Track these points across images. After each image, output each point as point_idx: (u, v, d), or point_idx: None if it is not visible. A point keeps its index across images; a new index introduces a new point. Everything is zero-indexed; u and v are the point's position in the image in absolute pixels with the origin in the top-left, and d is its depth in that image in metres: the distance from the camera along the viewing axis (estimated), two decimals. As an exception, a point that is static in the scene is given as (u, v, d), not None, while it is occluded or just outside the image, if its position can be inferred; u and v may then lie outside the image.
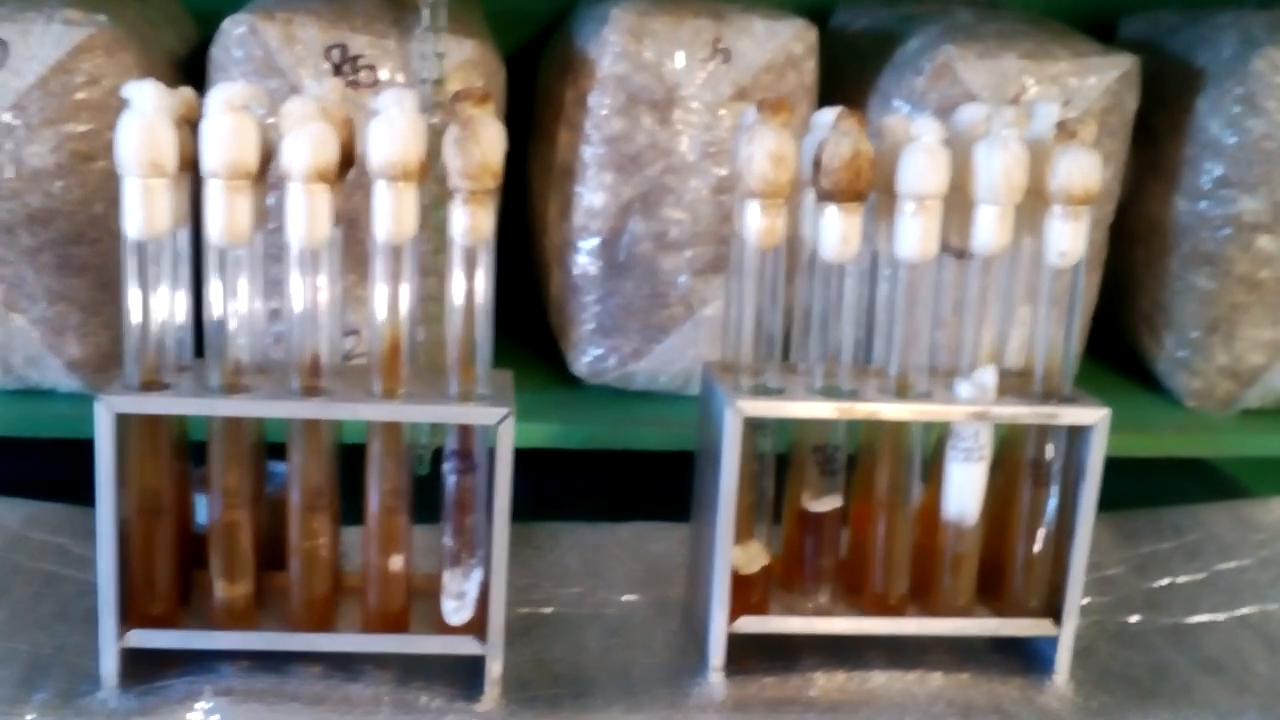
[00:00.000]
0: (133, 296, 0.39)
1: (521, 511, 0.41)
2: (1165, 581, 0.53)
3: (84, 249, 0.54)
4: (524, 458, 0.41)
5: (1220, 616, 0.50)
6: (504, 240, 0.42)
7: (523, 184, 0.66)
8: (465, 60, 0.55)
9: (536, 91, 0.66)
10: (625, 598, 0.49)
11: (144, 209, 0.37)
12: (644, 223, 0.57)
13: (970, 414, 0.42)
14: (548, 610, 0.48)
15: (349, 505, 0.42)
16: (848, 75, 0.63)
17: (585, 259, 0.59)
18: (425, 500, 0.42)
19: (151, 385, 0.39)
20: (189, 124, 0.39)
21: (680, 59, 0.56)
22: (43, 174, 0.53)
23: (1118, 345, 0.68)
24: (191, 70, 0.59)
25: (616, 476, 0.63)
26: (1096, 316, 0.64)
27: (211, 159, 0.37)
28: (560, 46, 0.63)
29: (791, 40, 0.57)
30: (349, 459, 0.42)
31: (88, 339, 0.56)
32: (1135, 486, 0.55)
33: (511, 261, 0.56)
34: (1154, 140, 0.63)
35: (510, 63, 0.59)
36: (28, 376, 0.56)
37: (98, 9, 0.54)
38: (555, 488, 0.61)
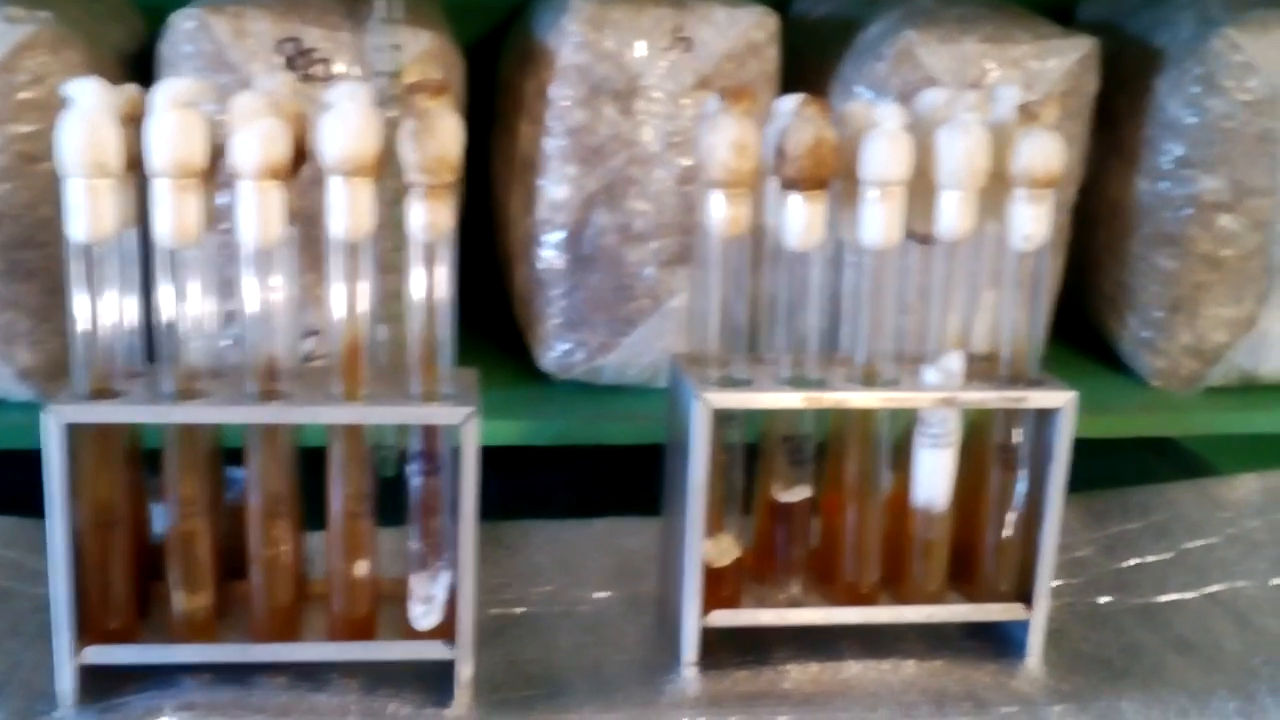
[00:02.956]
0: (79, 302, 0.37)
1: (490, 510, 0.40)
2: (1134, 561, 0.53)
3: (32, 254, 0.53)
4: (492, 455, 0.40)
5: (1190, 595, 0.50)
6: (467, 235, 0.41)
7: (485, 177, 0.65)
8: (422, 52, 0.54)
9: (497, 83, 0.65)
10: (597, 595, 0.49)
11: (88, 211, 0.36)
12: (608, 215, 0.57)
13: (938, 400, 0.42)
14: (519, 610, 0.47)
15: (312, 509, 0.41)
16: (809, 62, 0.63)
17: (550, 253, 0.58)
18: (390, 503, 0.41)
19: (102, 393, 0.38)
20: (134, 122, 0.37)
21: (641, 48, 0.55)
22: (-15, 177, 0.51)
23: (1082, 326, 0.68)
24: (140, 67, 0.57)
25: (587, 472, 0.63)
26: (1060, 298, 0.64)
27: (157, 157, 0.36)
28: (520, 37, 0.62)
29: (753, 28, 0.56)
30: (310, 462, 0.41)
31: (39, 346, 0.54)
32: (1101, 467, 0.55)
33: (475, 256, 0.56)
34: (1114, 122, 0.64)
35: (470, 54, 0.58)
36: (-23, 386, 0.55)
37: (41, 5, 0.52)
38: (524, 485, 0.61)
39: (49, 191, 0.52)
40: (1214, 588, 0.51)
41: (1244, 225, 0.60)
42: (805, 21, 0.68)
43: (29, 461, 0.42)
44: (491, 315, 0.65)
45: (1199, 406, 0.63)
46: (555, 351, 0.59)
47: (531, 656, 0.44)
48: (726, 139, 0.39)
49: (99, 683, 0.40)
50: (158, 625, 0.41)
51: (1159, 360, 0.63)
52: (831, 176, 0.40)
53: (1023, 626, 0.45)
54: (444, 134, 0.37)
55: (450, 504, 0.40)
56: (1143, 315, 0.64)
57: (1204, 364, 0.63)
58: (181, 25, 0.52)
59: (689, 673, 0.43)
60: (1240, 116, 0.59)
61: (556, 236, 0.58)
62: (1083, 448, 0.44)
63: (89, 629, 0.39)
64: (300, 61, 0.53)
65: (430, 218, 0.37)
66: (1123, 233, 0.64)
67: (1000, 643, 0.45)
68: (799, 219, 0.40)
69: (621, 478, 0.58)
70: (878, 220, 0.40)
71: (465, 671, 0.41)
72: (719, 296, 0.41)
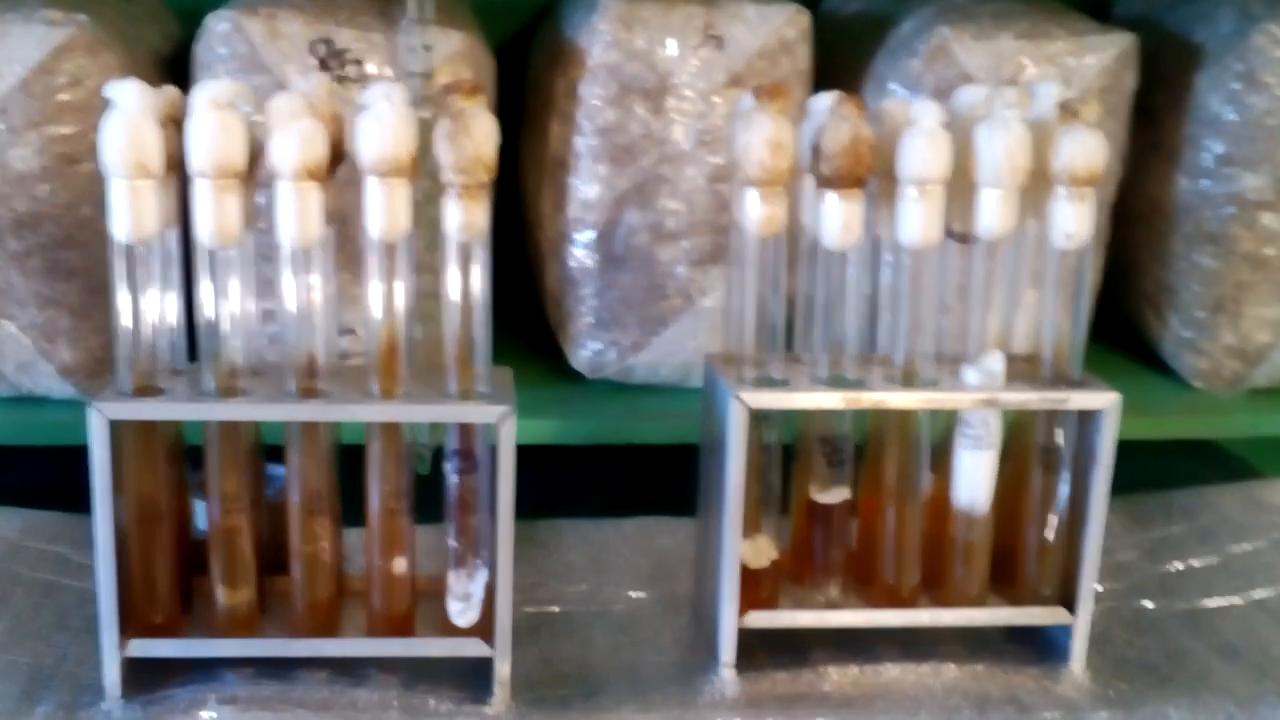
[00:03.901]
0: (122, 300, 0.38)
1: (524, 509, 0.40)
2: (1178, 566, 0.52)
3: (72, 253, 0.53)
4: (525, 454, 0.40)
5: (1235, 600, 0.50)
6: (499, 234, 0.41)
7: (515, 177, 0.65)
8: (454, 52, 0.54)
9: (527, 83, 0.65)
10: (632, 594, 0.49)
11: (131, 211, 0.36)
12: (640, 214, 0.57)
13: (978, 401, 0.42)
14: (554, 609, 0.47)
15: (350, 506, 0.41)
16: (842, 59, 0.62)
17: (581, 252, 0.58)
18: (428, 500, 0.41)
19: (145, 390, 0.39)
20: (174, 123, 0.38)
21: (672, 46, 0.55)
22: (28, 178, 0.52)
23: (1122, 327, 0.68)
24: (176, 69, 0.58)
25: (619, 471, 0.63)
26: (1100, 298, 0.63)
27: (198, 158, 0.36)
28: (550, 36, 0.62)
29: (784, 25, 0.56)
30: (349, 459, 0.41)
31: (79, 344, 0.55)
32: (1143, 469, 0.54)
33: (507, 255, 0.56)
34: (1154, 119, 0.63)
35: (500, 53, 0.58)
36: (20, 383, 0.56)
37: (78, 8, 0.53)
38: (558, 484, 0.61)
39: (89, 192, 0.52)
40: (1260, 593, 0.50)
41: (1288, 223, 0.59)
42: (837, 18, 0.68)
43: (70, 457, 0.42)
44: (522, 314, 0.65)
45: (1242, 408, 0.62)
46: (587, 350, 0.59)
47: (567, 655, 0.44)
48: (762, 137, 0.39)
49: (143, 675, 0.40)
50: (200, 619, 0.41)
51: (1201, 361, 0.62)
52: (869, 175, 0.39)
53: (1065, 631, 0.44)
54: (479, 134, 0.37)
55: (487, 502, 0.40)
56: (1184, 315, 0.63)
57: (1247, 365, 0.62)
58: (216, 27, 0.53)
59: (726, 674, 0.43)
60: (1283, 113, 0.58)
61: (588, 235, 0.58)
62: (1124, 449, 0.43)
63: (133, 623, 0.40)
64: (333, 62, 0.53)
65: (466, 218, 0.38)
66: (1163, 231, 0.63)
67: (1042, 647, 0.45)
68: (836, 218, 0.40)
69: (654, 477, 0.58)
70: (916, 219, 0.40)
71: (503, 669, 0.41)
72: (755, 296, 0.41)
